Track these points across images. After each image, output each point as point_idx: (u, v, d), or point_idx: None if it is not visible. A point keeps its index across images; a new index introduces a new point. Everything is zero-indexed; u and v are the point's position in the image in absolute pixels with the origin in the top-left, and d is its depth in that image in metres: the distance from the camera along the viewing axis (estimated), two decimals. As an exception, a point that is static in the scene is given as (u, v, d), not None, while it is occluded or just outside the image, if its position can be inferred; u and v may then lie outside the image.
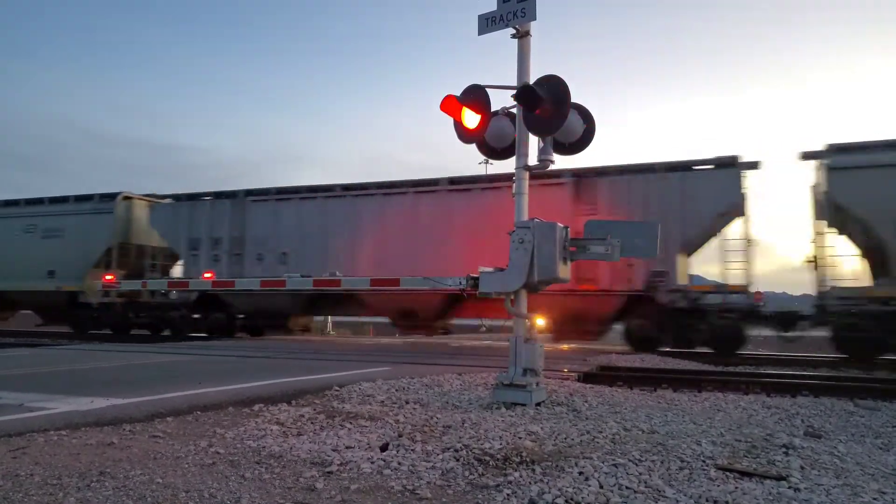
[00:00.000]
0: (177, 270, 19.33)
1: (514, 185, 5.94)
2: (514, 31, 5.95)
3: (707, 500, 2.90)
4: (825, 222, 12.64)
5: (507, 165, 6.30)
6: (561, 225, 5.71)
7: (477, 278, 5.93)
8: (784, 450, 3.91)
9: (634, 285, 13.24)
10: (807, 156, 12.93)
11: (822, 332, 12.66)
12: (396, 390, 6.49)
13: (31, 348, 12.87)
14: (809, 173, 13.28)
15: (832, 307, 12.23)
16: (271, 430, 4.39)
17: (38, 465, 3.31)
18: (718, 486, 3.15)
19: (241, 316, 17.78)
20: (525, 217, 5.82)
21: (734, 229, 13.18)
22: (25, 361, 9.02)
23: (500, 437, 4.03)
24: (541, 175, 10.27)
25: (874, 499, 2.99)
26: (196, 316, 17.68)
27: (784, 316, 12.77)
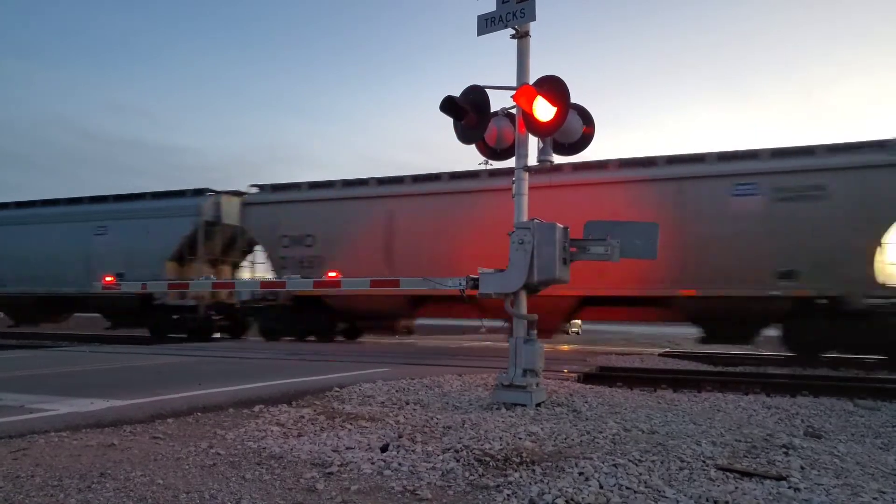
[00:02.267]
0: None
1: (514, 185, 5.95)
2: (513, 32, 5.95)
3: (707, 500, 2.91)
4: None
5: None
6: (561, 226, 5.72)
7: (477, 279, 5.94)
8: (784, 450, 3.92)
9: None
10: None
11: None
12: (396, 391, 6.50)
13: (33, 350, 12.88)
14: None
15: None
16: (272, 431, 4.40)
17: (38, 466, 3.32)
18: (718, 486, 3.15)
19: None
20: (525, 218, 5.83)
21: None
22: (26, 363, 9.03)
23: (501, 438, 4.03)
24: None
25: (874, 498, 2.99)
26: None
27: None
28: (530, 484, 3.13)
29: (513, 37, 5.98)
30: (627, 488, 3.07)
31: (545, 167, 6.08)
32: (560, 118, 5.61)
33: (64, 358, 10.05)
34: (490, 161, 6.50)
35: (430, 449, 3.81)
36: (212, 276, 17.06)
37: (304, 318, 16.17)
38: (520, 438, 4.07)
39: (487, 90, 6.07)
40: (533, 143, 6.02)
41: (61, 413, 4.78)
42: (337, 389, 6.46)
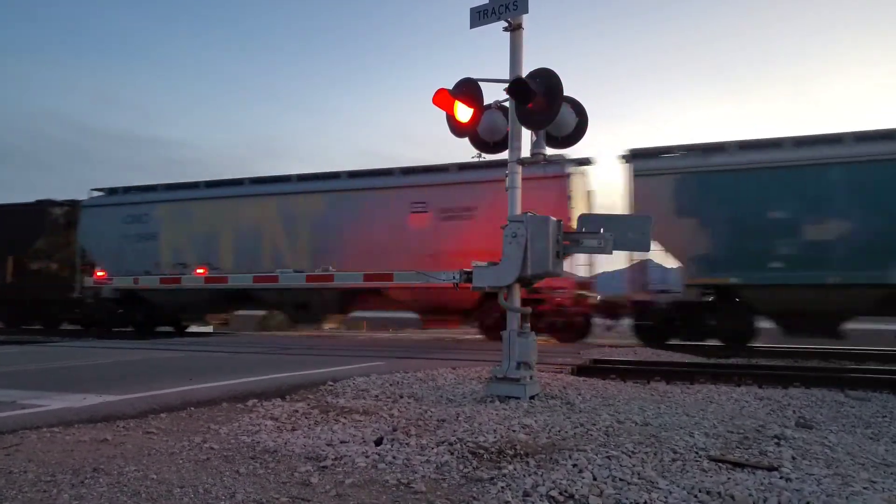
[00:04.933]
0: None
1: (508, 178, 5.94)
2: (506, 25, 5.93)
3: (700, 491, 2.93)
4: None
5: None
6: (554, 219, 5.72)
7: (471, 273, 5.94)
8: (776, 440, 3.95)
9: None
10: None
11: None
12: (391, 385, 6.50)
13: (21, 345, 12.80)
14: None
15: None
16: (265, 425, 4.39)
17: (31, 462, 3.30)
18: (711, 476, 3.17)
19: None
20: (518, 211, 5.82)
21: None
22: (16, 359, 8.97)
23: (495, 431, 4.04)
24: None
25: (864, 488, 3.02)
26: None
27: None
28: (524, 476, 3.14)
29: (505, 29, 5.95)
30: (621, 480, 3.08)
31: (537, 160, 6.08)
32: (553, 110, 5.60)
33: (55, 353, 9.99)
34: (483, 154, 6.49)
35: (424, 442, 3.82)
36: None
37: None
38: (514, 431, 4.08)
39: (480, 83, 6.05)
40: (526, 136, 6.01)
41: (53, 408, 4.75)
42: (331, 383, 6.45)
